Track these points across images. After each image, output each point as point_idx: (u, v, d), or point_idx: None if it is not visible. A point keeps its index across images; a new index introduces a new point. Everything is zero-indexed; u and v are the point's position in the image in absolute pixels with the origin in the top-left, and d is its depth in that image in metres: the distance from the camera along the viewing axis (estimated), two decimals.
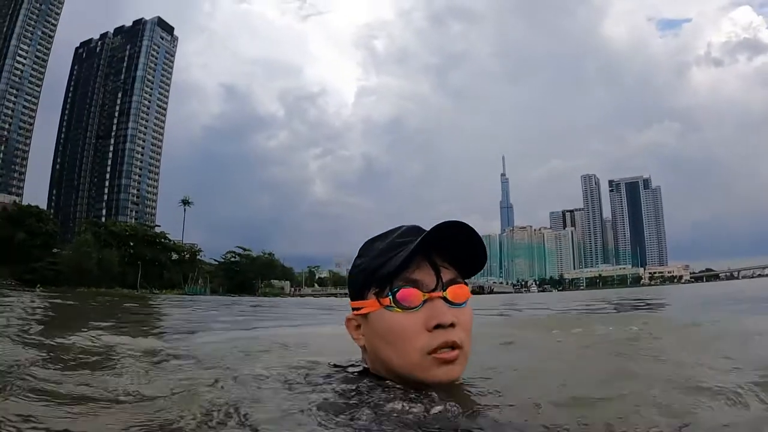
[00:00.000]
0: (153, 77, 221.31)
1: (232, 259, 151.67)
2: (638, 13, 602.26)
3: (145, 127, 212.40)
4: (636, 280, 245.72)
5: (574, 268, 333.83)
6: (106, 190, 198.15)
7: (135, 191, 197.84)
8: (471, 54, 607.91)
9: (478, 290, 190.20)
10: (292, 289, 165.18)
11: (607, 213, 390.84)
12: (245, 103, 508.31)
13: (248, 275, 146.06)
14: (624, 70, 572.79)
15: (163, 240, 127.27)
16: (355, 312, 2.02)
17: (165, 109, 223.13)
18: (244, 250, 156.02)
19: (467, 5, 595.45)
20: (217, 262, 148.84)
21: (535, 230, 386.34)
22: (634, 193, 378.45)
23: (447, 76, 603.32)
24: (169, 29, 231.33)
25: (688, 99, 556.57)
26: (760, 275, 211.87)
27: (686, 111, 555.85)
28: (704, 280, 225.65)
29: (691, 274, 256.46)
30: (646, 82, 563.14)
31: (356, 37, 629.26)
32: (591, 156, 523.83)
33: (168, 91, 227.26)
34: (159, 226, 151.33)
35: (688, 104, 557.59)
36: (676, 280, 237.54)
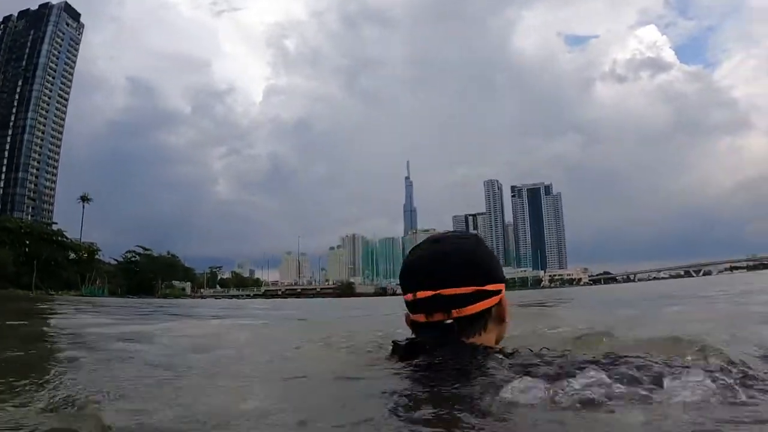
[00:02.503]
0: (56, 65, 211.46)
1: (132, 259, 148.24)
2: (548, 28, 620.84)
3: (45, 118, 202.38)
4: (536, 283, 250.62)
5: None
6: (1, 183, 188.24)
7: (32, 185, 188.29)
8: (383, 58, 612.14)
9: (381, 292, 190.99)
10: (193, 291, 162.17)
11: (509, 218, 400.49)
12: (151, 98, 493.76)
13: (148, 276, 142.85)
14: (532, 83, 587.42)
15: (60, 238, 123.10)
16: (497, 294, 2.26)
17: (67, 100, 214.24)
18: (145, 249, 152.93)
19: (382, 10, 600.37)
20: (116, 262, 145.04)
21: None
22: (535, 199, 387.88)
23: (357, 80, 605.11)
24: (75, 16, 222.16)
25: (592, 112, 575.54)
26: (655, 278, 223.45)
27: (590, 124, 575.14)
28: (602, 282, 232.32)
29: (589, 276, 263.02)
30: (553, 95, 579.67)
31: (268, 35, 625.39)
32: (497, 165, 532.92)
33: (71, 81, 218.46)
34: (56, 223, 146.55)
35: (591, 117, 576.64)
36: (575, 283, 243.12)
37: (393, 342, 2.24)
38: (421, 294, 2.20)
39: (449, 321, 2.15)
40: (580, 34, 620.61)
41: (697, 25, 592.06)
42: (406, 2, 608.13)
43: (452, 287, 2.17)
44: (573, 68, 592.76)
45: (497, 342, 2.29)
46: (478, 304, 2.19)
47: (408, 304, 2.29)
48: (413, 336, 2.23)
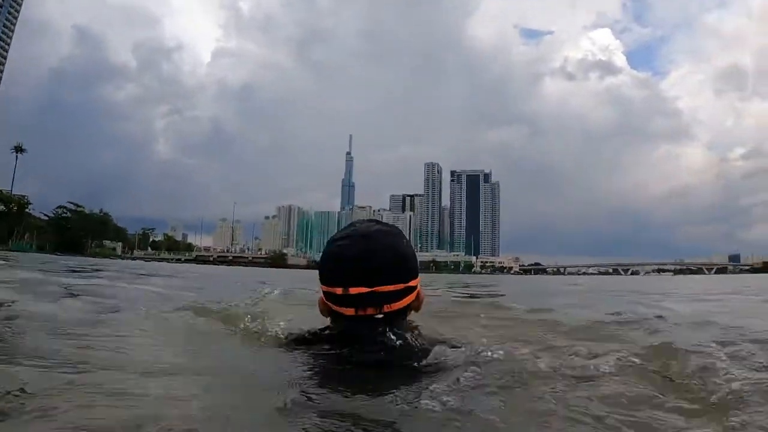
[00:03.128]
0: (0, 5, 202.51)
1: (63, 215, 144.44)
2: (505, 18, 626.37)
3: None
4: (468, 268, 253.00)
5: None
6: None
7: None
8: (336, 30, 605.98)
9: (313, 265, 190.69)
10: (124, 252, 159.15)
11: (446, 202, 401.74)
12: (97, 49, 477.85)
13: (79, 233, 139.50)
14: (483, 70, 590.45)
15: None
16: (416, 288, 2.45)
17: (8, 44, 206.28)
18: (77, 206, 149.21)
19: None
20: (47, 218, 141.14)
21: (374, 211, 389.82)
22: (473, 186, 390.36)
23: (308, 49, 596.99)
24: None
25: (538, 106, 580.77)
26: (584, 273, 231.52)
27: (535, 117, 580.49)
28: (532, 273, 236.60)
29: (520, 266, 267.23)
30: (502, 85, 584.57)
31: None
32: (440, 147, 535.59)
33: (14, 24, 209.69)
34: None
35: (537, 111, 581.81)
36: (506, 271, 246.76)
37: (316, 331, 2.42)
38: (353, 290, 2.29)
39: (379, 315, 2.29)
40: (536, 29, 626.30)
41: (650, 34, 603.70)
42: None
43: (385, 285, 2.30)
44: (525, 61, 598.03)
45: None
46: (404, 299, 2.36)
47: (334, 296, 2.37)
48: (331, 325, 2.41)
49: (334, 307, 2.39)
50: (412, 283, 2.41)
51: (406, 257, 2.46)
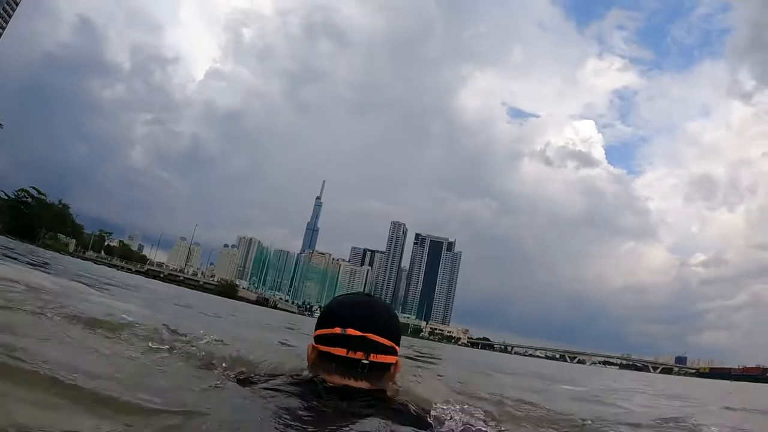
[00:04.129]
0: None
1: (23, 199, 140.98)
2: (495, 95, 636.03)
3: None
4: (416, 332, 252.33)
5: None
6: None
7: None
8: (330, 74, 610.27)
9: (263, 302, 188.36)
10: (76, 249, 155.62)
11: (405, 262, 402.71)
12: (95, 42, 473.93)
13: (36, 221, 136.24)
14: (465, 140, 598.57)
15: None
16: (397, 356, 2.70)
17: (8, 19, 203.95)
18: (39, 192, 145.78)
19: (344, 29, 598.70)
20: (6, 198, 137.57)
21: (333, 259, 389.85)
22: (436, 252, 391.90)
23: (300, 87, 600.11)
24: None
25: (512, 184, 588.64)
26: (531, 355, 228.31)
27: (507, 194, 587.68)
28: (480, 347, 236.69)
29: (468, 338, 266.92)
30: (481, 158, 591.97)
31: (228, 18, 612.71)
32: (409, 207, 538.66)
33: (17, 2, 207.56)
34: None
35: (510, 189, 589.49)
36: (453, 341, 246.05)
37: (319, 381, 2.45)
38: (351, 331, 2.52)
39: (366, 361, 2.49)
40: (523, 110, 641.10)
41: (632, 133, 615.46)
42: (370, 28, 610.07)
43: (379, 336, 2.55)
44: (507, 138, 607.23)
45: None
46: (389, 356, 2.59)
47: (329, 337, 2.57)
48: (320, 377, 2.49)
49: (326, 348, 2.57)
50: (397, 348, 2.68)
51: (398, 325, 2.76)
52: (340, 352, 2.50)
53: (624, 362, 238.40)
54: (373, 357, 2.51)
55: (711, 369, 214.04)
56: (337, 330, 2.54)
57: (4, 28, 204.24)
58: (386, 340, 2.59)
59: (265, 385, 2.46)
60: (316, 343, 2.64)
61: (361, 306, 2.67)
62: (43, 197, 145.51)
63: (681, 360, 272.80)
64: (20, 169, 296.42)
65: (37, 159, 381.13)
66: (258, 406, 2.10)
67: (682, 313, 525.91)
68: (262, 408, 2.06)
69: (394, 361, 2.66)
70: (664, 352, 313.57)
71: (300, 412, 2.07)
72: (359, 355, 2.50)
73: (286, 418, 1.95)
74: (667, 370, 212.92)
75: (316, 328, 2.68)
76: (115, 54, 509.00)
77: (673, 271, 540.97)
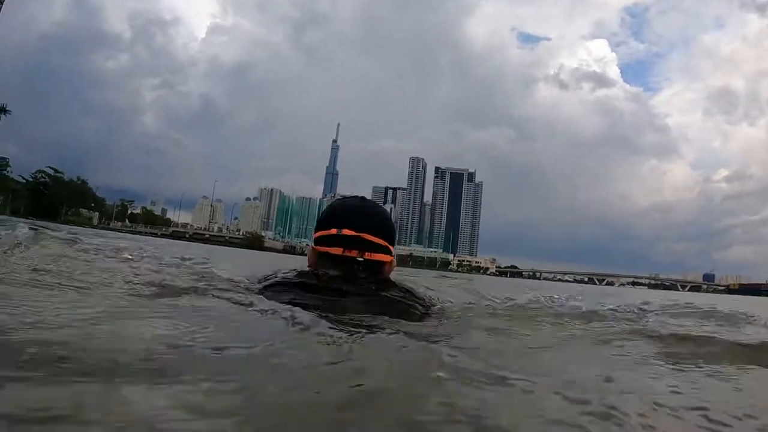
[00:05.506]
0: None
1: (41, 179, 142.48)
2: (503, 21, 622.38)
3: None
4: (444, 265, 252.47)
5: None
6: None
7: None
8: (332, 16, 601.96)
9: (290, 250, 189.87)
10: (101, 222, 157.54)
11: (428, 197, 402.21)
12: (92, 16, 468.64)
13: (56, 199, 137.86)
14: (476, 70, 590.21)
15: None
16: (392, 256, 2.86)
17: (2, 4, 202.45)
18: (56, 171, 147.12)
19: None
20: (25, 181, 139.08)
21: None
22: (457, 184, 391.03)
23: (303, 33, 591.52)
24: None
25: (528, 110, 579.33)
26: (559, 279, 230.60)
27: (524, 120, 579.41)
28: (508, 275, 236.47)
29: (497, 267, 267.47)
30: (494, 86, 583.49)
31: None
32: (426, 143, 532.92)
33: None
34: None
35: (527, 115, 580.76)
36: (482, 271, 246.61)
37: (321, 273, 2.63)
38: (346, 231, 2.69)
39: (361, 258, 2.67)
40: (533, 34, 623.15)
41: (646, 49, 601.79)
42: None
43: (372, 235, 2.71)
44: (519, 65, 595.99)
45: None
46: (383, 255, 2.75)
47: (326, 237, 2.75)
48: (316, 269, 2.68)
49: (324, 248, 2.74)
50: (390, 248, 2.83)
51: (391, 226, 2.94)
52: (336, 251, 2.65)
53: (652, 282, 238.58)
54: (367, 255, 2.67)
55: (741, 285, 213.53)
56: (333, 231, 2.70)
57: None
58: (380, 240, 2.74)
59: (274, 279, 2.64)
60: (315, 245, 2.80)
61: (356, 208, 2.83)
62: (60, 175, 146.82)
63: (709, 277, 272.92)
64: (35, 152, 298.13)
65: (50, 140, 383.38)
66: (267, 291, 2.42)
67: (708, 230, 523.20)
68: (269, 290, 2.43)
69: (389, 260, 2.81)
70: (691, 269, 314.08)
71: (299, 288, 2.40)
72: (354, 253, 2.65)
73: (288, 291, 2.35)
74: (695, 288, 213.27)
75: (315, 230, 2.84)
76: (113, 24, 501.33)
77: (696, 188, 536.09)
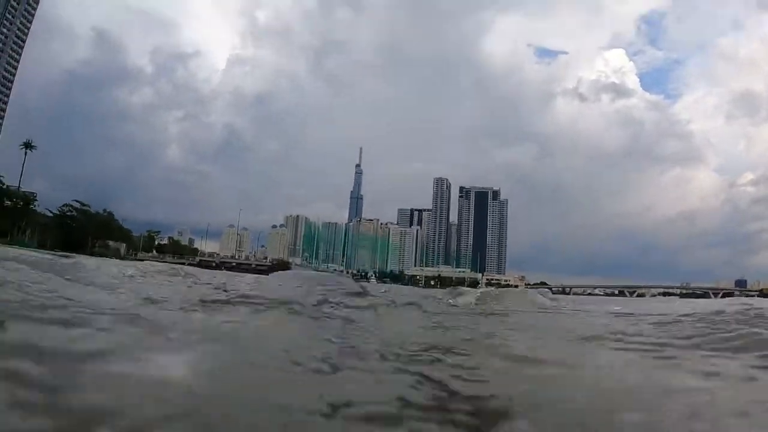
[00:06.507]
0: (18, 4, 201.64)
1: (68, 213, 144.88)
2: (520, 37, 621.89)
3: None
4: (473, 285, 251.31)
5: (415, 265, 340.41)
6: None
7: None
8: (351, 43, 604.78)
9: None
10: (128, 253, 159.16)
11: (453, 217, 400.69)
12: (115, 52, 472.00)
13: (83, 232, 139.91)
14: (496, 88, 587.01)
15: None
16: None
17: (23, 42, 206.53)
18: (83, 205, 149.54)
19: None
20: (52, 215, 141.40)
21: (381, 224, 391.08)
22: (482, 202, 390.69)
23: (323, 61, 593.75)
24: None
25: (548, 126, 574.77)
26: (590, 293, 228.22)
27: (545, 136, 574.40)
28: None
29: (525, 284, 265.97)
30: (514, 104, 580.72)
31: (242, 3, 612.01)
32: (449, 163, 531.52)
33: (30, 23, 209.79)
34: None
35: (547, 131, 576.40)
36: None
37: None
38: None
39: None
40: (551, 48, 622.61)
41: (664, 56, 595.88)
42: None
43: None
44: (538, 80, 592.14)
45: None
46: None
47: None
48: None
49: None
50: None
51: None
52: None
53: (684, 291, 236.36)
54: None
55: None
56: None
57: (20, 56, 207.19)
58: None
59: None
60: None
61: None
62: (87, 208, 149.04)
63: (741, 283, 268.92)
64: (62, 187, 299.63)
65: (76, 175, 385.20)
66: None
67: (736, 236, 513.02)
68: None
69: None
70: (721, 277, 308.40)
71: None
72: None
73: None
74: (727, 294, 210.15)
75: None
76: (136, 60, 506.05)
77: (722, 194, 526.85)
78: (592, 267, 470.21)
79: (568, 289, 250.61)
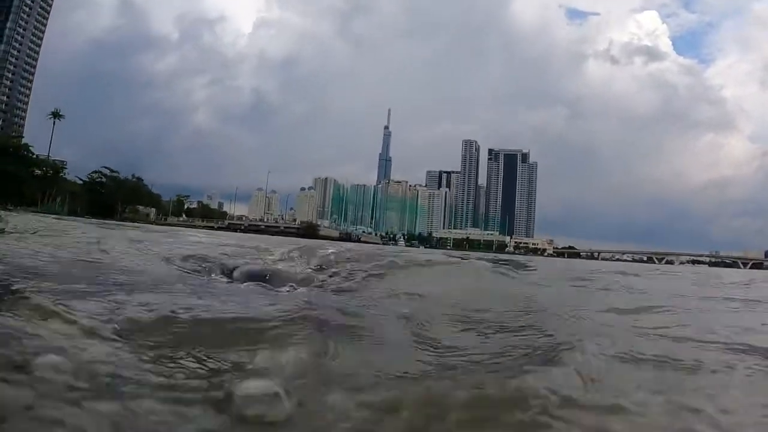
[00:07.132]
0: None
1: (98, 180, 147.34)
2: None
3: (24, 29, 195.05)
4: (501, 247, 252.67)
5: (444, 228, 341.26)
6: None
7: (4, 98, 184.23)
8: (378, 5, 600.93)
9: (345, 237, 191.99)
10: (157, 218, 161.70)
11: (482, 180, 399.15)
12: (139, 20, 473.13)
13: (113, 198, 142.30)
14: (525, 50, 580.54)
15: (25, 153, 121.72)
16: None
17: (48, 11, 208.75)
18: (112, 171, 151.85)
19: None
20: (82, 182, 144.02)
21: (410, 186, 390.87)
22: (511, 165, 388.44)
23: (351, 22, 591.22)
24: None
25: (579, 88, 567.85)
26: (618, 259, 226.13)
27: (576, 98, 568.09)
28: (566, 256, 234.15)
29: (554, 248, 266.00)
30: (544, 65, 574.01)
31: None
32: (478, 125, 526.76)
33: None
34: (23, 137, 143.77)
35: (578, 93, 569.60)
36: (539, 252, 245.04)
37: None
38: None
39: None
40: (582, 9, 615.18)
41: (698, 20, 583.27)
42: None
43: None
44: (568, 42, 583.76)
45: None
46: None
47: None
48: None
49: None
50: None
51: None
52: None
53: (713, 260, 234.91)
54: None
55: None
56: None
57: (45, 26, 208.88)
58: None
59: None
60: None
61: None
62: (116, 174, 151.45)
63: None
64: (91, 155, 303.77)
65: (105, 143, 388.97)
66: None
67: (767, 205, 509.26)
68: None
69: None
70: (751, 246, 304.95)
71: None
72: None
73: None
74: (757, 265, 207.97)
75: None
76: (161, 27, 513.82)
77: (755, 162, 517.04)
78: (621, 232, 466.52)
79: (596, 254, 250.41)
